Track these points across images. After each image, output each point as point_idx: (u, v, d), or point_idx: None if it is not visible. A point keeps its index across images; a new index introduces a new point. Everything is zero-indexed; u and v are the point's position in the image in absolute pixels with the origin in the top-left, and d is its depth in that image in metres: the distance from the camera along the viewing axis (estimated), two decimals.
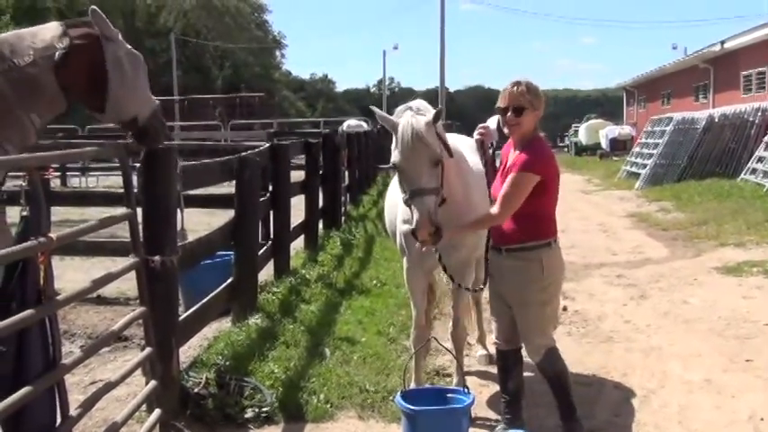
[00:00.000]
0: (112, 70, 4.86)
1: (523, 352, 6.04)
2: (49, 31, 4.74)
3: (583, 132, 54.34)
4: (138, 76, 5.03)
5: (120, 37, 4.97)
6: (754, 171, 24.04)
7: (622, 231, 17.93)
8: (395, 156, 5.62)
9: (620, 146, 45.73)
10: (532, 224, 5.59)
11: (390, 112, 5.89)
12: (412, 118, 5.59)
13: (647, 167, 28.32)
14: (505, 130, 5.64)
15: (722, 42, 31.72)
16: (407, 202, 5.52)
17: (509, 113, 5.53)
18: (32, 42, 4.64)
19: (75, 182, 26.85)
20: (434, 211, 5.43)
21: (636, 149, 34.10)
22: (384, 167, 23.46)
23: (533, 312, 5.73)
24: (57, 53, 4.63)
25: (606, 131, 48.72)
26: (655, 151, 29.06)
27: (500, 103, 5.60)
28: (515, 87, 5.56)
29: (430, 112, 5.74)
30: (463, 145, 6.82)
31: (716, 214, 18.51)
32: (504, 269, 5.69)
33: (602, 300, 10.80)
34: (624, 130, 48.51)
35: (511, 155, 5.71)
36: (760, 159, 24.25)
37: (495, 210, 5.55)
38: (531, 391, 6.64)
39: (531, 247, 5.61)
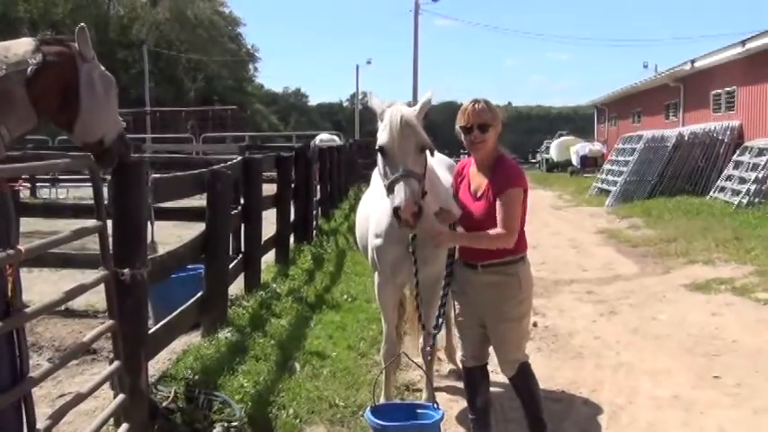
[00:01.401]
0: (85, 91, 4.82)
1: (490, 367, 6.05)
2: (21, 46, 4.69)
3: (554, 149, 54.61)
4: (109, 98, 5.00)
5: (95, 59, 4.94)
6: (723, 189, 24.26)
7: (593, 248, 18.03)
8: (382, 138, 5.64)
9: (591, 163, 45.97)
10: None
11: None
12: (401, 106, 5.73)
13: (618, 184, 28.52)
14: (472, 150, 5.63)
15: (692, 61, 31.96)
16: (391, 185, 5.50)
17: (474, 131, 5.53)
18: (5, 56, 4.59)
19: (45, 193, 26.67)
20: (418, 193, 5.46)
21: (606, 166, 34.32)
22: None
23: (510, 327, 5.73)
24: (29, 68, 4.59)
25: (577, 148, 48.96)
26: (625, 168, 29.29)
27: (462, 123, 5.58)
28: (476, 105, 5.56)
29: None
30: (434, 161, 6.86)
31: (685, 231, 18.65)
32: (480, 285, 5.66)
33: (572, 316, 10.84)
34: (595, 147, 48.80)
35: (475, 174, 5.69)
36: (729, 177, 24.48)
37: (500, 231, 5.41)
38: (501, 407, 6.66)
39: (508, 261, 5.61)
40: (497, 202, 5.47)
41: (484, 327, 5.82)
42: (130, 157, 5.44)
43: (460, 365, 6.26)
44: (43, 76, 4.63)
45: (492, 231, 5.46)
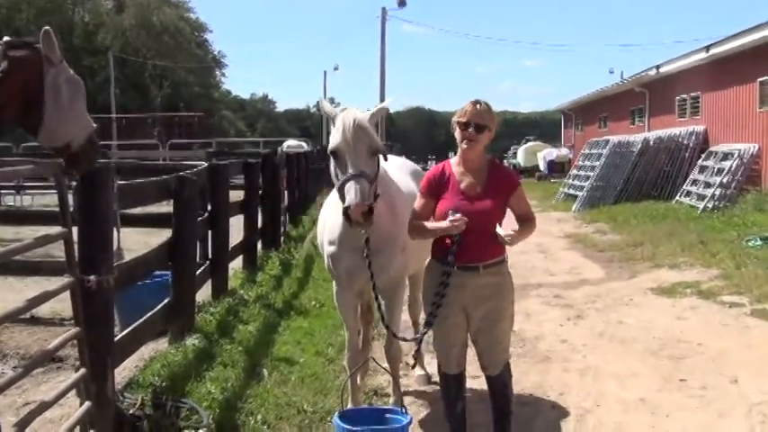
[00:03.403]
0: (49, 97, 4.76)
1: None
2: None
3: (521, 154, 54.74)
4: (75, 102, 4.93)
5: (63, 62, 4.89)
6: (688, 193, 24.47)
7: (560, 252, 18.10)
8: (335, 140, 5.69)
9: (558, 168, 46.19)
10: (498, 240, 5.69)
11: (330, 133, 5.94)
12: (354, 110, 5.77)
13: (584, 190, 28.67)
14: (463, 145, 5.66)
15: (657, 67, 32.22)
16: (342, 186, 5.53)
17: (470, 129, 5.60)
18: None
19: (10, 200, 26.42)
20: (369, 194, 5.49)
21: (573, 172, 34.45)
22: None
23: (505, 326, 5.86)
24: None
25: (544, 154, 49.17)
26: (592, 173, 29.44)
27: (460, 118, 5.65)
28: (478, 106, 5.65)
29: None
30: (394, 167, 6.89)
31: (651, 236, 18.80)
32: (480, 287, 5.67)
33: (539, 320, 10.89)
34: (562, 152, 49.02)
35: (462, 174, 5.73)
36: (694, 182, 24.71)
37: (532, 221, 5.84)
38: (469, 411, 6.66)
39: (502, 261, 5.77)
40: (513, 198, 5.76)
41: (466, 333, 5.86)
42: (98, 160, 5.39)
43: (431, 369, 6.22)
44: (7, 83, 4.56)
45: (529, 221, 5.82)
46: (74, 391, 5.25)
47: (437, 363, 6.10)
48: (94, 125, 5.22)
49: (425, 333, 5.92)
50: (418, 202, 5.85)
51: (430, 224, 5.70)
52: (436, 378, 7.58)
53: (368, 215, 5.44)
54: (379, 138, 5.88)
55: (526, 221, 5.80)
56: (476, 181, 5.70)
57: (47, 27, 4.87)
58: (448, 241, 5.61)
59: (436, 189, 5.77)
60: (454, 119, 5.72)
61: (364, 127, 5.64)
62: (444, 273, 5.64)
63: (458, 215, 5.46)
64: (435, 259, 5.80)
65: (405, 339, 6.71)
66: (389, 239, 6.17)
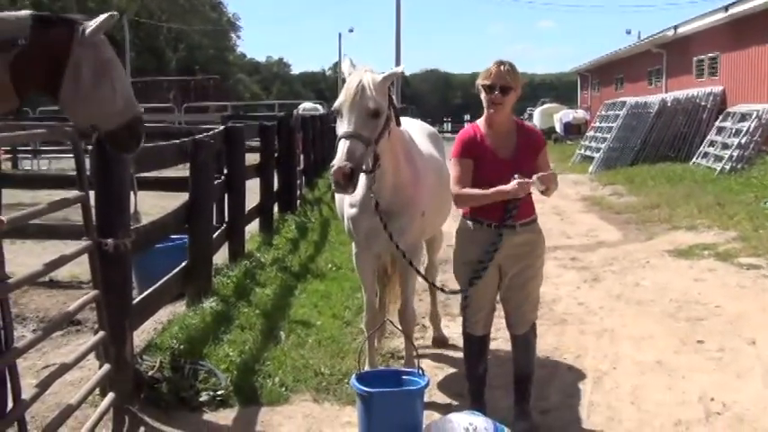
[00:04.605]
0: (69, 78, 4.58)
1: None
2: (10, 24, 4.47)
3: (537, 116, 54.35)
4: (101, 87, 4.64)
5: (101, 42, 4.70)
6: (705, 155, 24.31)
7: (576, 215, 18.06)
8: (338, 100, 5.71)
9: (575, 130, 45.85)
10: (531, 199, 5.81)
11: None
12: (364, 72, 5.73)
13: (601, 151, 28.52)
14: (490, 110, 5.63)
15: (675, 27, 31.93)
16: (335, 146, 5.56)
17: (496, 92, 5.56)
18: None
19: (27, 164, 26.50)
20: (359, 157, 5.49)
21: (590, 133, 34.29)
22: None
23: (537, 285, 5.97)
24: (13, 52, 4.39)
25: (560, 115, 48.82)
26: (608, 135, 29.28)
27: (485, 81, 5.61)
28: (502, 67, 5.60)
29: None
30: (415, 130, 6.88)
31: (668, 198, 18.71)
32: (517, 245, 5.71)
33: (556, 282, 10.85)
34: (578, 114, 48.66)
35: (493, 137, 5.70)
36: (711, 143, 24.53)
37: None
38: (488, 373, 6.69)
39: (535, 219, 5.90)
40: (540, 157, 5.85)
41: (497, 294, 5.91)
42: (134, 148, 5.12)
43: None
44: (29, 59, 4.43)
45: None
46: (93, 354, 5.29)
47: (462, 324, 6.11)
48: (141, 109, 5.00)
49: (467, 291, 5.87)
50: (458, 168, 5.69)
51: (488, 191, 5.55)
52: (453, 341, 7.63)
53: (349, 179, 5.42)
54: (390, 100, 5.84)
55: None
56: (507, 143, 5.69)
57: (115, 12, 4.77)
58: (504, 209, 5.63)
59: (473, 151, 5.70)
60: (479, 81, 5.67)
61: (367, 88, 5.60)
62: (498, 234, 5.65)
63: (525, 178, 5.47)
64: (472, 221, 5.77)
65: (443, 290, 6.72)
66: (410, 203, 6.18)
